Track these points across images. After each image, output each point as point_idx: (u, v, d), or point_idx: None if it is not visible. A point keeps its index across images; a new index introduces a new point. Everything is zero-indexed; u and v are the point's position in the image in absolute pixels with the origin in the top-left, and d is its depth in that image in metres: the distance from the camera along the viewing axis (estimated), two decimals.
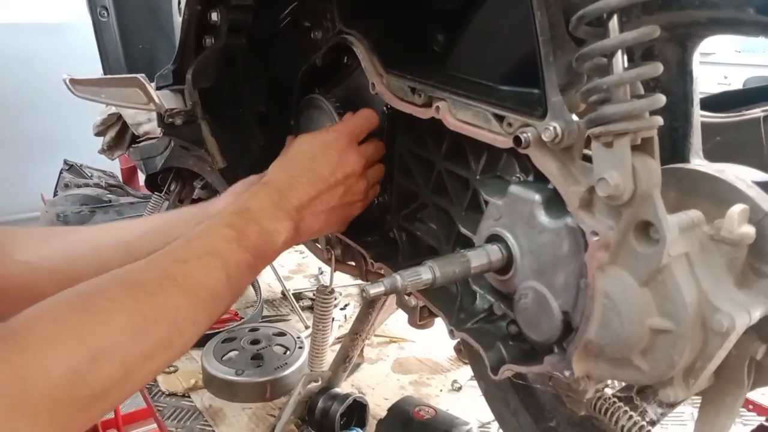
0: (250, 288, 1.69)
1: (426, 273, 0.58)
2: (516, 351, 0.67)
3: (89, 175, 2.53)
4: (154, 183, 1.39)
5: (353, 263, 0.97)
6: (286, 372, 1.19)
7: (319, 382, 1.07)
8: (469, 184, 0.71)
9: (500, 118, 0.60)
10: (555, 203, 0.58)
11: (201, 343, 1.32)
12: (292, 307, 1.59)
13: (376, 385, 1.25)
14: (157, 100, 0.89)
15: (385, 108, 0.81)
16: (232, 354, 1.25)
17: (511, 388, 0.81)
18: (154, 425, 2.99)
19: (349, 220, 0.85)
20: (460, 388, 1.24)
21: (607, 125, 0.49)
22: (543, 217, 0.58)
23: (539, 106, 0.56)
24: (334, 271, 0.98)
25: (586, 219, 0.52)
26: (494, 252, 0.62)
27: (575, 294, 0.56)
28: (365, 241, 0.91)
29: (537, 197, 0.58)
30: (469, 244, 0.73)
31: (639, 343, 0.52)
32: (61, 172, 2.62)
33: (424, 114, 0.70)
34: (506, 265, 0.62)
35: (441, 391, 1.23)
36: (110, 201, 2.04)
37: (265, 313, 1.59)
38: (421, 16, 0.82)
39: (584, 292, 0.55)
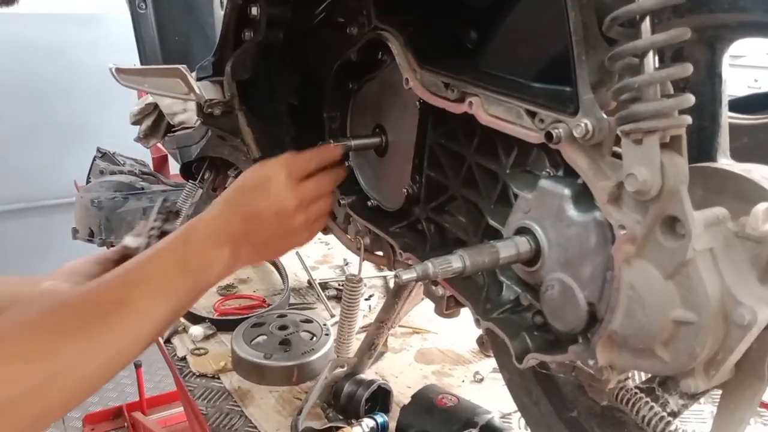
0: (277, 276, 1.74)
1: (456, 261, 0.60)
2: (540, 341, 0.69)
3: (122, 162, 2.60)
4: (188, 171, 1.43)
5: (381, 253, 1.00)
6: (313, 357, 1.22)
7: (345, 368, 1.10)
8: (499, 177, 0.73)
9: (532, 114, 0.62)
10: (584, 197, 0.60)
11: (231, 327, 1.36)
12: (318, 295, 1.63)
13: (400, 373, 1.28)
14: (197, 91, 0.93)
15: (417, 102, 0.83)
16: (261, 338, 1.29)
17: (534, 378, 0.83)
18: (179, 409, 3.06)
19: (288, 250, 0.87)
20: (482, 380, 1.26)
21: (637, 123, 0.51)
22: (572, 211, 0.60)
23: (571, 103, 0.58)
24: (363, 260, 1.00)
25: (614, 213, 0.54)
26: (523, 244, 0.64)
27: (601, 286, 0.58)
28: (393, 231, 0.94)
29: (566, 191, 0.60)
30: (496, 236, 0.75)
31: (662, 334, 0.54)
32: (94, 160, 2.69)
33: (456, 109, 0.72)
34: (534, 257, 0.64)
35: (463, 381, 1.25)
36: (143, 188, 2.09)
37: (292, 301, 1.63)
38: (454, 14, 0.84)
39: (610, 284, 0.57)
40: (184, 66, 0.92)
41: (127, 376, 3.49)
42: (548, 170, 0.67)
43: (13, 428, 0.59)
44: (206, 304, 1.57)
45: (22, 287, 0.94)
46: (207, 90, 0.95)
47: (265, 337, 1.29)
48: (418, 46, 0.81)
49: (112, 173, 2.18)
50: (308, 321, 1.35)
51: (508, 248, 0.63)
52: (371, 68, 0.95)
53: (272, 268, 1.77)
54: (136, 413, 3.16)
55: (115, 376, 0.68)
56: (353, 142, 0.95)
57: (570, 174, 0.61)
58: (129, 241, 1.01)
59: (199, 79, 0.97)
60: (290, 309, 1.53)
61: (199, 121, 1.02)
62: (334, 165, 0.91)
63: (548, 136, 0.59)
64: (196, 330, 1.38)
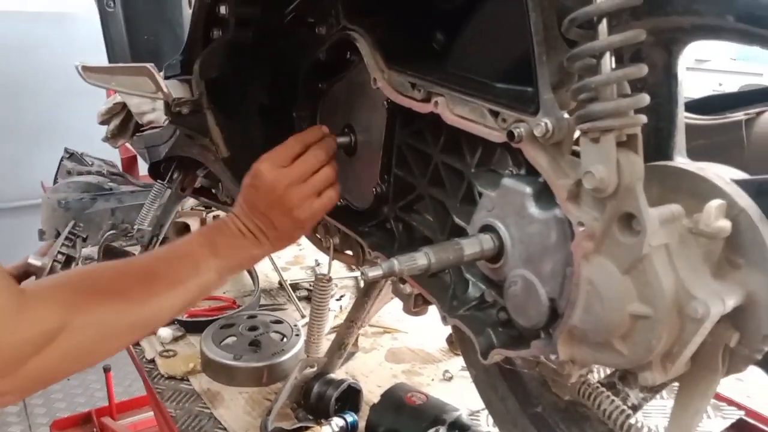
0: (248, 277, 1.72)
1: (421, 258, 0.61)
2: (505, 337, 0.70)
3: (90, 163, 2.55)
4: (157, 171, 1.41)
5: (350, 252, 1.00)
6: (283, 358, 1.22)
7: (315, 368, 1.10)
8: (465, 176, 0.74)
9: (495, 114, 0.63)
10: (545, 195, 0.61)
11: (200, 329, 1.35)
12: (289, 296, 1.62)
13: (370, 373, 1.28)
14: (165, 89, 0.92)
15: (385, 102, 0.84)
16: (230, 340, 1.28)
17: (500, 375, 0.84)
18: (149, 413, 3.02)
19: (305, 226, 0.90)
20: (451, 378, 1.27)
21: (594, 122, 0.52)
22: (533, 209, 0.61)
23: (532, 103, 0.59)
24: (332, 259, 1.01)
25: (574, 210, 0.56)
26: (486, 241, 0.65)
27: (561, 281, 0.59)
28: (362, 230, 0.94)
29: (528, 189, 0.62)
30: (462, 234, 0.76)
31: (620, 328, 0.55)
32: (61, 160, 2.64)
33: (423, 108, 0.73)
34: (497, 254, 0.65)
35: (432, 380, 1.26)
36: (111, 189, 2.06)
37: (263, 302, 1.62)
38: (422, 16, 0.85)
39: (570, 280, 0.58)
40: (152, 64, 0.91)
41: (95, 380, 3.43)
42: (511, 169, 0.68)
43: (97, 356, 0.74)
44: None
45: None
46: (175, 89, 0.94)
47: (234, 338, 1.28)
48: (386, 46, 0.82)
49: (80, 174, 2.14)
50: (278, 322, 1.35)
51: (472, 245, 0.64)
52: (340, 68, 0.96)
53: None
54: (105, 418, 3.09)
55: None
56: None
57: (532, 173, 0.63)
58: (33, 259, 0.99)
59: (167, 78, 0.96)
60: (261, 310, 1.53)
61: (167, 120, 1.01)
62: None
63: (510, 135, 0.60)
64: (165, 332, 1.36)
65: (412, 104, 0.75)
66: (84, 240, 1.03)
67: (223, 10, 0.91)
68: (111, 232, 1.71)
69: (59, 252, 0.95)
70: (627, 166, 0.52)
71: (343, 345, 1.11)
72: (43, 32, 3.55)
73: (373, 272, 0.59)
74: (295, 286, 1.68)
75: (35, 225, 2.18)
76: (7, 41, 3.46)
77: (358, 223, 0.96)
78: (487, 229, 0.67)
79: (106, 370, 2.98)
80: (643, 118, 0.53)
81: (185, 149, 1.21)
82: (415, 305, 0.83)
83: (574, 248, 0.56)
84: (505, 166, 0.70)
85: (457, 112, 0.68)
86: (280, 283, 1.71)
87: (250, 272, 1.73)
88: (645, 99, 0.52)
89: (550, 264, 0.61)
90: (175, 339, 1.39)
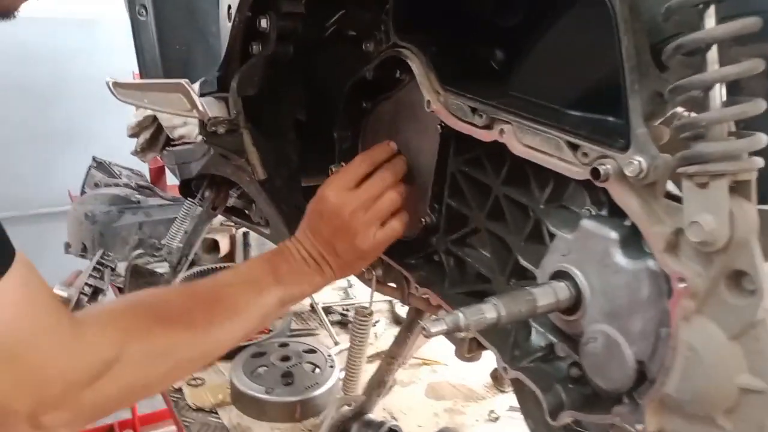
0: None
1: (490, 311, 0.55)
2: (577, 395, 0.63)
3: (118, 173, 2.55)
4: (188, 189, 1.38)
5: (394, 284, 0.94)
6: (317, 392, 1.16)
7: (353, 406, 1.04)
8: (531, 212, 0.68)
9: (574, 147, 0.57)
10: (633, 242, 0.54)
11: (228, 355, 1.30)
12: (321, 321, 1.57)
13: (409, 410, 1.22)
14: (200, 108, 0.88)
15: (439, 126, 0.78)
16: (261, 370, 1.23)
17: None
18: (171, 427, 3.00)
19: (370, 254, 0.86)
20: (497, 419, 1.20)
21: (704, 165, 0.46)
22: (619, 257, 0.55)
23: (620, 137, 0.53)
24: (374, 291, 0.95)
25: (672, 263, 0.49)
26: (562, 290, 0.59)
27: (653, 342, 0.53)
28: (409, 263, 0.88)
29: (614, 235, 0.55)
30: (525, 276, 0.70)
31: (725, 401, 0.49)
32: (89, 169, 2.64)
33: (485, 137, 0.67)
34: (574, 305, 0.59)
35: (477, 420, 1.19)
36: (139, 202, 2.04)
37: (293, 326, 1.56)
38: (478, 32, 0.79)
39: (665, 342, 0.51)
40: (187, 81, 0.87)
41: None
42: (589, 208, 0.61)
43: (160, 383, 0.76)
44: None
45: None
46: (211, 107, 0.90)
47: (265, 368, 1.23)
48: (441, 65, 0.76)
49: (107, 185, 2.12)
50: (312, 351, 1.29)
51: (546, 296, 0.58)
52: (387, 87, 0.90)
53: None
54: (127, 431, 3.08)
55: None
56: None
57: (616, 213, 0.56)
58: (59, 290, 0.95)
59: (202, 95, 0.91)
60: (292, 336, 1.47)
61: (200, 138, 0.96)
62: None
63: (595, 173, 0.53)
64: None
65: (472, 131, 0.69)
66: (113, 270, 0.99)
67: (264, 23, 0.86)
68: (138, 251, 1.68)
69: (86, 284, 0.91)
70: (740, 216, 0.45)
71: (382, 383, 1.05)
72: (72, 38, 3.57)
73: (436, 328, 0.53)
74: (327, 310, 1.62)
75: (63, 232, 2.16)
76: (37, 48, 3.49)
77: (403, 254, 0.90)
78: (560, 275, 0.60)
79: None
80: (760, 162, 0.46)
81: (219, 168, 1.17)
82: (469, 350, 0.77)
83: (671, 307, 0.49)
84: (580, 203, 0.63)
85: (527, 142, 0.62)
86: (311, 306, 1.65)
87: None
88: (762, 140, 0.46)
89: (639, 322, 0.54)
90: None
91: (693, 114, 0.48)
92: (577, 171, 0.56)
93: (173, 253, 1.44)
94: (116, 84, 0.85)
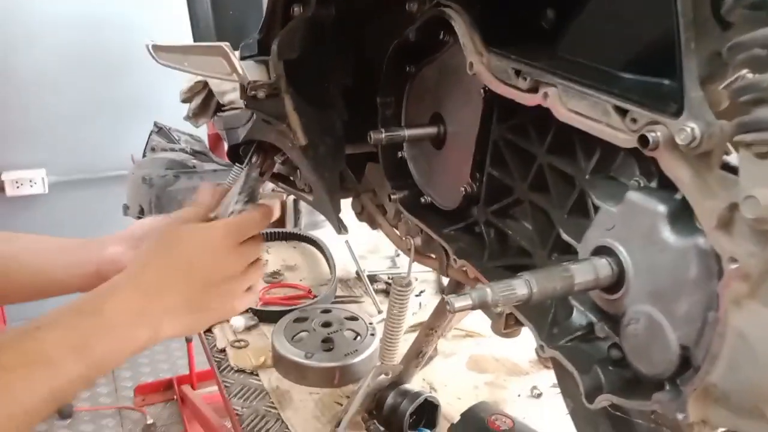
0: (325, 266, 1.68)
1: (521, 288, 0.52)
2: (616, 378, 0.59)
3: (177, 138, 2.60)
4: (236, 154, 1.38)
5: (434, 255, 0.92)
6: (356, 359, 1.16)
7: (390, 375, 1.03)
8: (576, 183, 0.63)
9: (623, 112, 0.52)
10: (683, 217, 0.50)
11: (273, 319, 1.32)
12: (366, 289, 1.57)
13: (449, 382, 1.21)
14: (240, 71, 0.86)
15: (482, 90, 0.74)
16: (303, 335, 1.24)
17: (603, 413, 0.73)
18: None
19: (214, 321, 0.79)
20: (540, 395, 1.17)
21: (763, 132, 0.41)
22: (667, 233, 0.50)
23: (673, 101, 0.48)
24: (413, 261, 0.93)
25: (724, 242, 0.44)
26: (603, 267, 0.55)
27: (699, 327, 0.48)
28: (448, 234, 0.86)
29: (662, 208, 0.51)
30: (568, 250, 0.66)
31: None
32: (150, 134, 2.71)
33: (529, 100, 0.63)
34: (616, 283, 0.55)
35: (519, 396, 1.17)
36: (194, 167, 2.08)
37: (339, 293, 1.57)
38: None
39: (711, 327, 0.47)
40: (227, 44, 0.86)
41: (178, 348, 3.58)
42: (638, 179, 0.56)
43: None
44: None
45: (82, 254, 0.89)
46: (251, 70, 0.89)
47: (307, 333, 1.24)
48: (486, 25, 0.72)
49: (164, 150, 2.17)
50: (353, 318, 1.29)
51: (585, 273, 0.54)
52: (431, 50, 0.86)
53: (321, 256, 1.72)
54: (185, 387, 3.22)
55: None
56: (407, 132, 0.87)
57: (666, 186, 0.51)
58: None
59: (243, 59, 0.90)
60: (336, 303, 1.48)
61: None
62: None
63: (643, 140, 0.49)
64: (238, 321, 1.34)
65: (515, 95, 0.65)
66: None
67: None
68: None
69: (232, 212, 0.91)
70: None
71: (421, 353, 1.04)
72: (142, 8, 3.65)
73: (461, 303, 0.50)
74: (373, 278, 1.62)
75: (125, 195, 2.24)
76: (103, 16, 3.59)
77: (442, 225, 0.87)
78: (603, 251, 0.56)
79: (188, 340, 3.09)
80: None
81: (263, 133, 1.16)
82: (506, 326, 0.74)
83: (721, 289, 0.45)
84: (629, 174, 0.59)
85: (572, 107, 0.57)
86: (357, 274, 1.65)
87: (327, 261, 1.69)
88: None
89: (685, 304, 0.50)
90: (248, 328, 1.36)
91: (756, 76, 0.42)
92: (624, 138, 0.52)
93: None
94: (156, 47, 0.84)
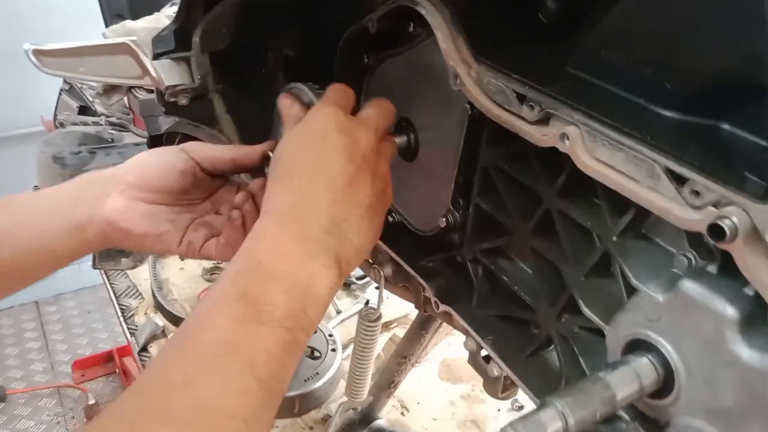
0: None
1: (553, 422, 0.40)
2: None
3: (90, 99, 2.33)
4: (157, 144, 1.19)
5: (408, 285, 0.79)
6: (317, 384, 1.05)
7: (359, 409, 0.93)
8: (599, 242, 0.51)
9: (679, 179, 0.40)
10: (761, 326, 0.39)
11: None
12: None
13: (422, 398, 1.12)
14: (153, 73, 0.69)
15: (468, 106, 0.60)
16: None
17: None
18: None
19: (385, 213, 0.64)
20: (521, 408, 1.09)
21: None
22: (738, 345, 0.39)
23: (758, 174, 0.36)
24: (382, 293, 0.80)
25: None
26: (647, 372, 0.44)
27: None
28: (425, 266, 0.73)
29: (732, 312, 0.39)
30: (582, 312, 0.55)
31: None
32: (60, 94, 2.42)
33: (540, 140, 0.49)
34: (663, 388, 0.44)
35: (499, 410, 1.09)
36: (112, 140, 1.86)
37: None
38: None
39: None
40: (134, 38, 0.68)
41: (114, 315, 3.39)
42: (689, 254, 0.44)
43: None
44: (191, 293, 1.38)
45: (78, 214, 0.65)
46: (167, 72, 0.71)
47: None
48: (473, 24, 0.57)
49: (74, 124, 1.92)
50: None
51: (627, 383, 0.43)
52: (397, 41, 0.71)
53: None
54: (127, 359, 3.04)
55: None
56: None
57: (733, 272, 0.40)
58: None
59: (157, 56, 0.72)
60: None
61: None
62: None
63: (714, 230, 0.37)
64: None
65: (518, 127, 0.51)
66: None
67: None
68: None
69: None
70: None
71: (392, 384, 0.93)
72: None
73: None
74: None
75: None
76: None
77: (418, 253, 0.75)
78: (643, 346, 0.45)
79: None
80: None
81: (190, 129, 0.98)
82: (504, 389, 0.63)
83: None
84: (673, 241, 0.47)
85: (603, 158, 0.44)
86: None
87: None
88: None
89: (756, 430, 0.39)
90: None
91: None
92: (681, 217, 0.40)
93: None
94: (39, 52, 0.66)
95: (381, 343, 1.17)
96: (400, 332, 1.23)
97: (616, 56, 0.48)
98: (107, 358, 3.17)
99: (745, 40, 0.38)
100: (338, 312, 1.34)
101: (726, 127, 0.42)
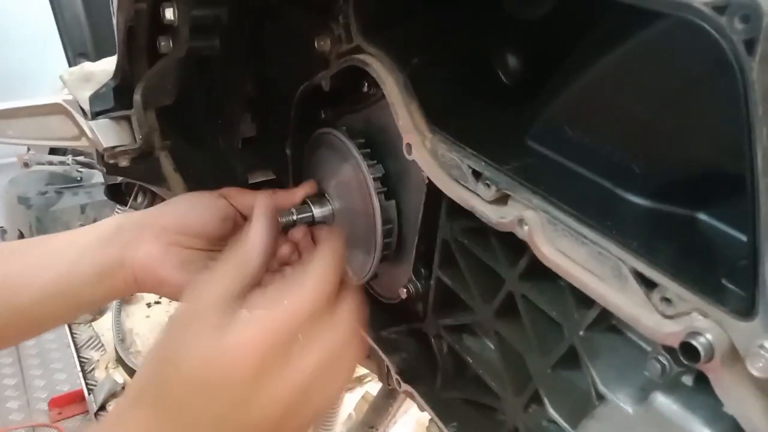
0: None
1: None
2: None
3: None
4: (116, 192, 1.15)
5: (370, 356, 0.74)
6: None
7: None
8: (565, 333, 0.46)
9: (648, 283, 0.35)
10: None
11: None
12: None
13: None
14: (90, 135, 0.64)
15: (425, 178, 0.55)
16: None
17: None
18: None
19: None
20: None
21: None
22: None
23: (740, 286, 0.31)
24: None
25: None
26: None
27: None
28: (387, 338, 0.68)
29: None
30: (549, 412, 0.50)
31: None
32: None
33: (497, 224, 0.45)
34: None
35: None
36: (80, 179, 1.80)
37: None
38: (482, 28, 0.55)
39: None
40: (69, 98, 0.63)
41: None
42: (663, 358, 0.39)
43: None
44: (149, 335, 1.31)
45: (108, 257, 0.60)
46: (106, 132, 0.66)
47: None
48: (427, 89, 0.53)
49: (39, 163, 1.87)
50: None
51: None
52: (353, 100, 0.66)
53: None
54: None
55: None
56: (324, 210, 0.67)
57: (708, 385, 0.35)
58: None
59: (96, 115, 0.67)
60: None
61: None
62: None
63: (687, 349, 0.32)
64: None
65: (474, 206, 0.46)
66: None
67: (169, 14, 0.61)
68: None
69: None
70: None
71: None
72: None
73: None
74: None
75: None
76: None
77: (380, 322, 0.69)
78: None
79: None
80: None
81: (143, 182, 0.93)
82: None
83: None
84: (647, 338, 0.42)
85: (564, 249, 0.40)
86: None
87: None
88: None
89: None
90: None
91: None
92: (650, 327, 0.35)
93: None
94: None
95: (353, 401, 1.11)
96: (375, 387, 1.17)
97: (579, 133, 0.43)
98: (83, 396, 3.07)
99: (722, 129, 0.33)
100: None
101: (703, 218, 0.38)
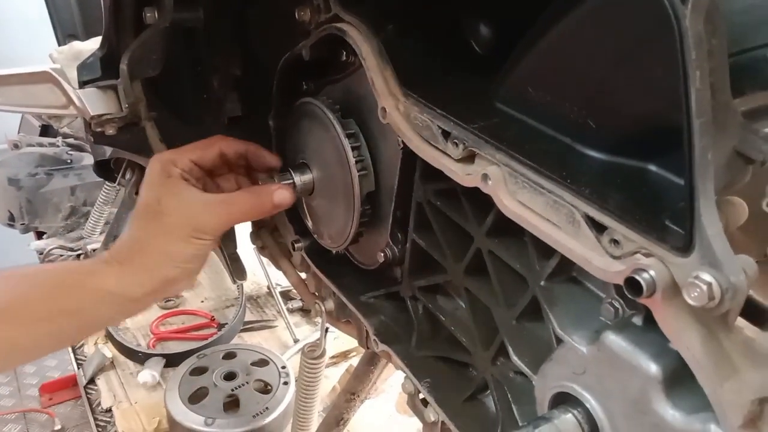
0: (230, 283, 1.50)
1: None
2: None
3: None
4: (105, 169, 1.16)
5: (350, 321, 0.76)
6: (267, 420, 1.01)
7: None
8: (528, 285, 0.48)
9: (599, 227, 0.37)
10: (686, 384, 0.36)
11: (171, 362, 1.13)
12: (279, 310, 1.40)
13: None
14: (78, 103, 0.65)
15: (399, 141, 0.57)
16: (202, 393, 1.06)
17: None
18: None
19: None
20: None
21: None
22: (662, 406, 0.36)
23: (678, 225, 0.33)
24: (325, 330, 0.77)
25: None
26: (570, 430, 0.41)
27: None
28: (366, 302, 0.70)
29: (655, 370, 0.36)
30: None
31: None
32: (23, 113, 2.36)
33: (463, 179, 0.47)
34: None
35: None
36: (70, 162, 1.80)
37: (248, 317, 1.39)
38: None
39: None
40: (58, 67, 0.64)
41: (89, 340, 3.31)
42: (615, 302, 0.42)
43: None
44: (144, 321, 1.33)
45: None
46: (93, 101, 0.67)
47: (207, 389, 1.06)
48: (401, 54, 0.54)
49: (30, 145, 1.87)
50: (263, 362, 1.13)
51: None
52: (333, 69, 0.68)
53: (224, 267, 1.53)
54: None
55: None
56: (308, 176, 0.69)
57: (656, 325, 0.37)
58: None
59: (84, 83, 0.68)
60: (245, 330, 1.30)
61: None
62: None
63: (631, 284, 0.34)
64: (145, 376, 1.13)
65: (443, 164, 0.49)
66: None
67: None
68: (66, 222, 1.46)
69: None
70: None
71: (341, 421, 0.89)
72: None
73: None
74: (287, 295, 1.45)
75: None
76: None
77: (359, 287, 0.71)
78: (569, 400, 0.42)
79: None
80: None
81: (136, 157, 0.94)
82: None
83: None
84: (605, 287, 0.44)
85: (524, 200, 0.42)
86: (268, 289, 1.48)
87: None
88: None
89: None
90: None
91: None
92: (600, 267, 0.37)
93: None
94: None
95: (337, 374, 1.14)
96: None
97: (541, 93, 0.45)
98: (75, 381, 3.08)
99: (664, 84, 0.35)
100: (296, 341, 1.30)
101: (653, 168, 0.40)
